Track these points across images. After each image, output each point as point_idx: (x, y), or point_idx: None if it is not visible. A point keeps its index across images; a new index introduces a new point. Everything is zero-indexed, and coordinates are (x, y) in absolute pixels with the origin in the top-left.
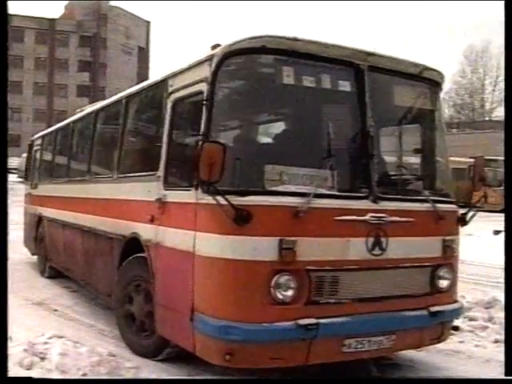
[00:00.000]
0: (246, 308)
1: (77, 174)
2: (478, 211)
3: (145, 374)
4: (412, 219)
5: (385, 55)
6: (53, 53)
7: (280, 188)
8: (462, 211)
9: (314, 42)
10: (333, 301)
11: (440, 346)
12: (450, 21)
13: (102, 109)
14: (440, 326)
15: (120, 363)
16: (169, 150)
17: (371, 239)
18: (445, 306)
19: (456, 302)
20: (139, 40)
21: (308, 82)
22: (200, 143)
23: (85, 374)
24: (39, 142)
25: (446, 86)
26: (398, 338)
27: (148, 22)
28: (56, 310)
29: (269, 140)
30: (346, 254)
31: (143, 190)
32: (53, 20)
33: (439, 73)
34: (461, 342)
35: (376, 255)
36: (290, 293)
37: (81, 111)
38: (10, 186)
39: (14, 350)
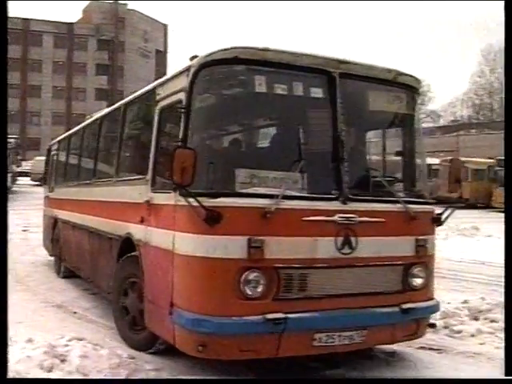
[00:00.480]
0: (217, 302)
1: (84, 178)
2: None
3: (166, 376)
4: (383, 219)
5: (357, 62)
6: (71, 56)
7: (249, 190)
8: (441, 211)
9: (286, 51)
10: (301, 297)
11: (461, 348)
12: (468, 20)
13: (105, 116)
14: (414, 323)
15: (140, 365)
16: (155, 155)
17: (340, 238)
18: (418, 303)
19: (431, 299)
20: (157, 43)
21: (280, 89)
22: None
23: (105, 376)
24: (55, 146)
25: (465, 86)
26: (370, 334)
27: (165, 25)
28: (75, 313)
29: (241, 145)
30: (315, 253)
31: (135, 192)
32: (71, 24)
33: (414, 78)
34: (481, 343)
35: (345, 254)
36: (258, 289)
37: (90, 117)
38: (26, 190)
39: (35, 353)
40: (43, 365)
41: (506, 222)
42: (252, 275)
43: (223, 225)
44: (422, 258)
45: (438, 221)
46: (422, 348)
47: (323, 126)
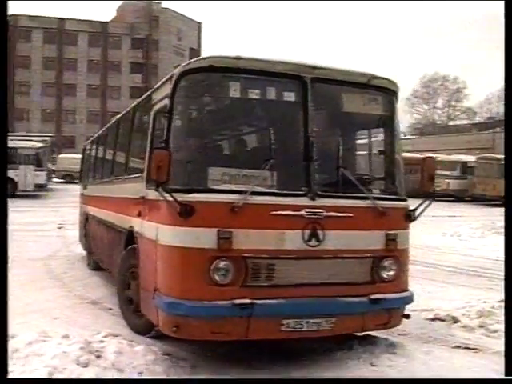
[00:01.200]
0: (190, 288)
1: (106, 176)
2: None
3: (200, 373)
4: (351, 214)
5: (330, 67)
6: (105, 55)
7: (220, 186)
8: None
9: (259, 59)
10: (269, 285)
11: (497, 347)
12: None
13: (121, 117)
14: (386, 313)
15: (175, 362)
16: (150, 155)
17: (307, 232)
18: (388, 294)
19: (404, 291)
20: (191, 41)
21: (254, 94)
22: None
23: (140, 373)
24: (88, 145)
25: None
26: (338, 321)
27: (199, 23)
28: (110, 309)
29: (216, 145)
30: (282, 244)
31: (136, 189)
32: (105, 23)
33: (389, 81)
34: None
35: (313, 246)
36: (227, 276)
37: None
38: (62, 187)
39: (71, 348)
40: (79, 360)
41: (505, 222)
42: (221, 264)
43: (195, 218)
44: (393, 251)
45: (410, 216)
46: (457, 347)
47: (295, 127)
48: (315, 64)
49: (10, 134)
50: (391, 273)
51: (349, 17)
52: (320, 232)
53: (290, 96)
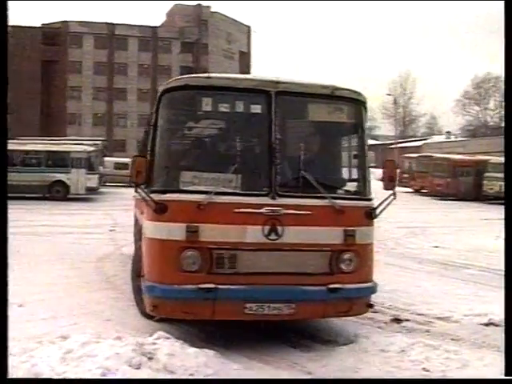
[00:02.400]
0: (164, 273)
1: None
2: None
3: (252, 375)
4: (309, 212)
5: (293, 81)
6: (156, 59)
7: (190, 188)
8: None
9: (227, 77)
10: (232, 272)
11: None
12: None
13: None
14: (346, 302)
15: (227, 364)
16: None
17: (267, 227)
18: (347, 284)
19: (366, 282)
20: (240, 44)
21: (223, 107)
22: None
23: (192, 375)
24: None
25: None
26: (298, 307)
27: (248, 27)
28: None
29: (190, 152)
30: (243, 238)
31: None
32: (155, 28)
33: (353, 91)
34: None
35: (272, 240)
36: (194, 264)
37: None
38: (114, 190)
39: (123, 350)
40: (131, 362)
41: (505, 221)
42: (189, 253)
43: (168, 214)
44: (351, 246)
45: (371, 214)
46: None
47: (261, 135)
48: (278, 79)
49: (62, 138)
50: (350, 265)
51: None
52: (279, 227)
53: (256, 108)
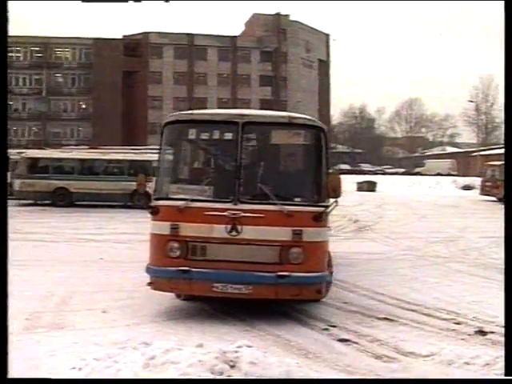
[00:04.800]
0: (155, 258)
1: None
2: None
3: None
4: (262, 215)
5: (257, 113)
6: (235, 69)
7: (175, 196)
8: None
9: (206, 112)
10: (203, 259)
11: None
12: None
13: None
14: (296, 287)
15: (308, 374)
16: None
17: (229, 226)
18: (295, 273)
19: (314, 272)
20: (319, 53)
21: (204, 135)
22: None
23: None
24: None
25: None
26: (254, 288)
27: (328, 35)
28: (244, 320)
29: (179, 170)
30: (211, 233)
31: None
32: (234, 37)
33: (308, 119)
34: None
35: (233, 235)
36: (176, 252)
37: None
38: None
39: (206, 357)
40: (214, 369)
41: (505, 221)
42: (172, 244)
43: (159, 215)
44: (299, 242)
45: (317, 218)
46: None
47: (231, 156)
48: (244, 112)
49: (143, 147)
50: (298, 258)
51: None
52: (239, 226)
53: (228, 135)
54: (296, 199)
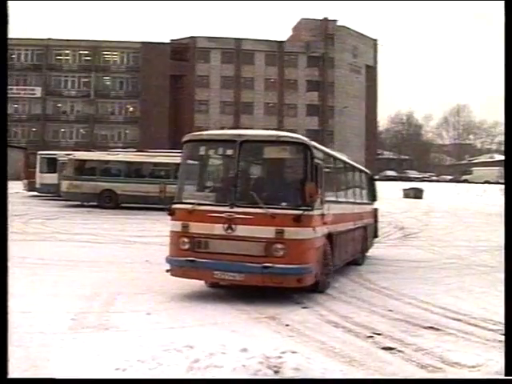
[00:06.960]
0: (172, 250)
1: None
2: None
3: None
4: (252, 217)
5: (252, 133)
6: (282, 73)
7: (186, 200)
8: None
9: (213, 133)
10: (206, 252)
11: None
12: None
13: None
14: (279, 276)
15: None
16: None
17: (226, 225)
18: (277, 264)
19: (294, 264)
20: (366, 58)
21: (211, 152)
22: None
23: None
24: None
25: None
26: (246, 276)
27: (375, 40)
28: (287, 325)
29: (193, 180)
30: (212, 231)
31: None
32: (281, 42)
33: (293, 137)
34: None
35: (229, 233)
36: (186, 245)
37: None
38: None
39: (250, 362)
40: (258, 374)
41: (505, 222)
42: (183, 239)
43: (175, 216)
44: (281, 239)
45: (296, 219)
46: None
47: (231, 169)
48: (241, 133)
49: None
50: (280, 252)
51: None
52: (233, 225)
53: (230, 152)
54: (282, 204)
